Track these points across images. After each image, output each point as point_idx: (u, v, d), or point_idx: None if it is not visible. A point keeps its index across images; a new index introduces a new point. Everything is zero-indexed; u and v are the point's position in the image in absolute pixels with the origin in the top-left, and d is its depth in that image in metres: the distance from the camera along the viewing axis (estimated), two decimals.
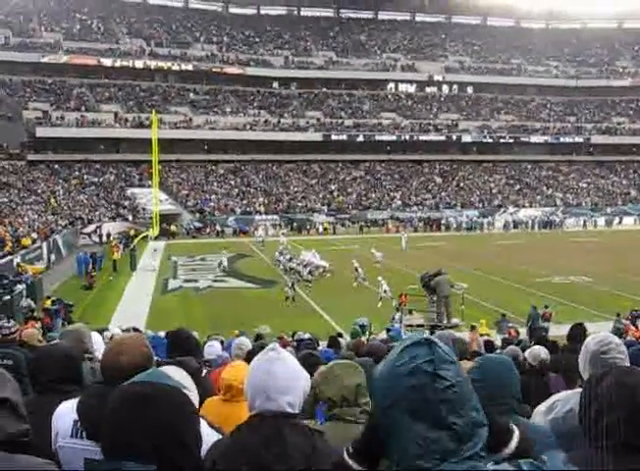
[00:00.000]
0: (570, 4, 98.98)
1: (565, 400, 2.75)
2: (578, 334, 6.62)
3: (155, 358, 3.35)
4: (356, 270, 32.21)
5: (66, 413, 2.57)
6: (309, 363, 4.40)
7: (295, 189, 67.78)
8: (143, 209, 56.63)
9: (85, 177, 62.01)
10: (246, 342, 7.09)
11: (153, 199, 50.75)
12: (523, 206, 68.99)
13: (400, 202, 67.47)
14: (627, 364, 3.14)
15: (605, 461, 1.93)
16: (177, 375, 1.94)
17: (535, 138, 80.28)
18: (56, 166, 61.96)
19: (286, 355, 2.35)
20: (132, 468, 1.53)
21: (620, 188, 76.08)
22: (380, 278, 28.14)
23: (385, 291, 27.06)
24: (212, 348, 7.89)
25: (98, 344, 5.44)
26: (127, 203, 58.36)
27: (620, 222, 65.90)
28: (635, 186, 76.69)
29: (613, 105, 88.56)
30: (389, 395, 1.50)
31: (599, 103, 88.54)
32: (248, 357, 5.78)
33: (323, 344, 12.65)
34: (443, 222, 62.81)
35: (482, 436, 1.51)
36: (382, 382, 1.54)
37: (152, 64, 74.20)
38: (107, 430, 1.55)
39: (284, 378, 2.26)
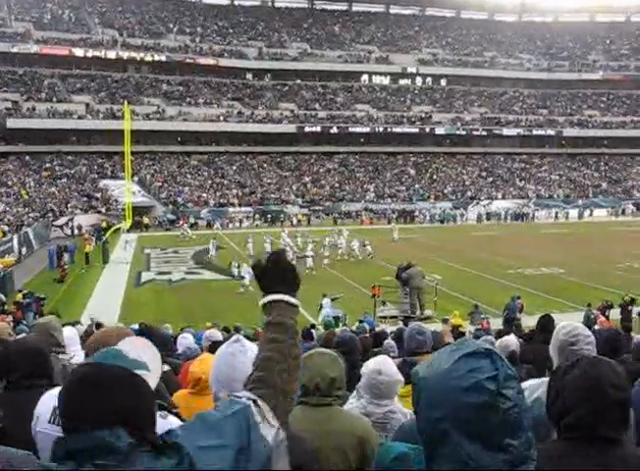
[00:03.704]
0: None
1: (532, 389, 2.77)
2: (545, 325, 6.70)
3: None
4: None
5: (49, 399, 2.58)
6: None
7: (269, 181, 67.62)
8: (116, 201, 56.17)
9: (57, 168, 61.36)
10: (217, 334, 7.09)
11: (126, 191, 50.42)
12: (496, 198, 69.47)
13: (373, 194, 67.62)
14: (594, 354, 3.19)
15: (577, 452, 1.97)
16: (134, 350, 1.91)
17: (508, 131, 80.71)
18: (27, 157, 61.24)
19: (249, 347, 2.35)
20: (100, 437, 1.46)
21: (592, 181, 76.88)
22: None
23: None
24: (184, 341, 7.89)
25: (69, 338, 5.39)
26: (99, 195, 57.83)
27: (591, 214, 66.56)
28: (606, 179, 77.54)
29: (585, 98, 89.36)
30: (440, 407, 1.35)
31: (571, 96, 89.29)
32: (214, 348, 5.77)
33: None
34: (416, 214, 63.06)
35: (534, 456, 1.39)
36: (432, 391, 1.38)
37: (125, 54, 73.45)
38: (61, 409, 1.52)
39: (247, 370, 2.24)
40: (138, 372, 1.55)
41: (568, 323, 3.45)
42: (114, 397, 1.44)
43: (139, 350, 1.99)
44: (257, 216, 59.10)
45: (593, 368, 2.07)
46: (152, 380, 1.75)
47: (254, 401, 1.64)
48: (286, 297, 1.90)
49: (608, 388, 2.02)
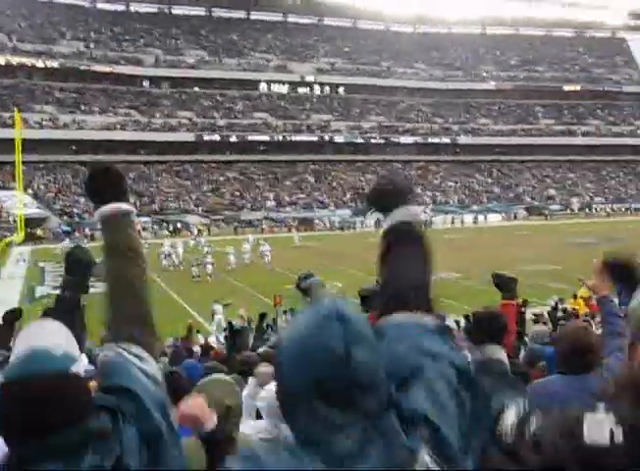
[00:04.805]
0: (437, 9, 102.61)
1: None
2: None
3: None
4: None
5: None
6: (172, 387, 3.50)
7: (168, 191, 66.68)
8: (7, 213, 54.14)
9: None
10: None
11: (17, 203, 48.72)
12: None
13: (274, 202, 67.67)
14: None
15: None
16: (55, 340, 1.69)
17: (404, 139, 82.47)
18: None
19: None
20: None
21: (485, 187, 79.40)
22: None
23: None
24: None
25: None
26: None
27: (486, 219, 68.59)
28: (499, 185, 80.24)
29: (478, 107, 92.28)
30: (295, 371, 1.36)
31: (464, 105, 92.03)
32: None
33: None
34: (316, 221, 63.43)
35: (394, 416, 1.40)
36: (289, 356, 1.38)
37: (15, 60, 70.97)
38: (19, 423, 1.42)
39: None
40: (73, 368, 1.52)
41: None
42: (74, 399, 1.45)
43: (56, 338, 1.76)
44: (157, 226, 58.09)
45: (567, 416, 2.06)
46: (81, 368, 1.67)
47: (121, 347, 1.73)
48: (121, 206, 1.99)
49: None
